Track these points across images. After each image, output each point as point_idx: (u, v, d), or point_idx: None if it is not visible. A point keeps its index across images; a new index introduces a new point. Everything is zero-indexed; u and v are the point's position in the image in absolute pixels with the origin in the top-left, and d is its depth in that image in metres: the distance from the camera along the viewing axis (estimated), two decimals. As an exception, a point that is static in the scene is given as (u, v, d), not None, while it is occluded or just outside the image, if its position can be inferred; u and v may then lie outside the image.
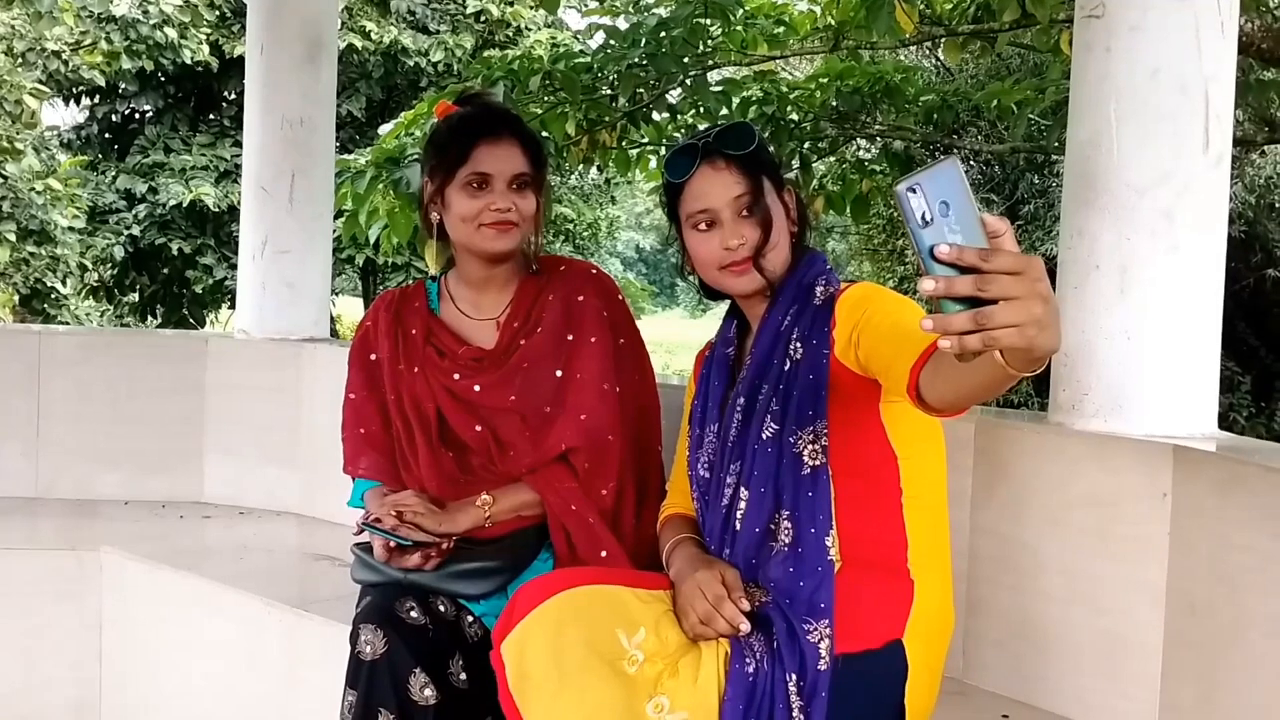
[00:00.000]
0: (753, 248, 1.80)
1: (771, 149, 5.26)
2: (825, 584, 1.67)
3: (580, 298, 2.16)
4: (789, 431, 1.72)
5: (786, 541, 1.71)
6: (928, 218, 1.03)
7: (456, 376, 2.14)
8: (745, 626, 1.67)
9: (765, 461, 1.74)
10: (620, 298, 2.22)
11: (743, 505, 1.77)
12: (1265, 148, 8.41)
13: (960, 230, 1.03)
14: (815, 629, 1.65)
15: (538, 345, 2.14)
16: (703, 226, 1.83)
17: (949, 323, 1.04)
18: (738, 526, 1.78)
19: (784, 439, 1.73)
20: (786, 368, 1.76)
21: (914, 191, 1.03)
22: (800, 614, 1.66)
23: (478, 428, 2.12)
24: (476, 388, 2.12)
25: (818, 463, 1.71)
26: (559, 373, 2.11)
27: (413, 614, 1.91)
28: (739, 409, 1.80)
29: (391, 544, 1.95)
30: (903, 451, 1.72)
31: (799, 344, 1.76)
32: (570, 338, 2.13)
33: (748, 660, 1.64)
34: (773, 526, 1.73)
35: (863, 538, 1.72)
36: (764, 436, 1.75)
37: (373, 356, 2.22)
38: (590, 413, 2.09)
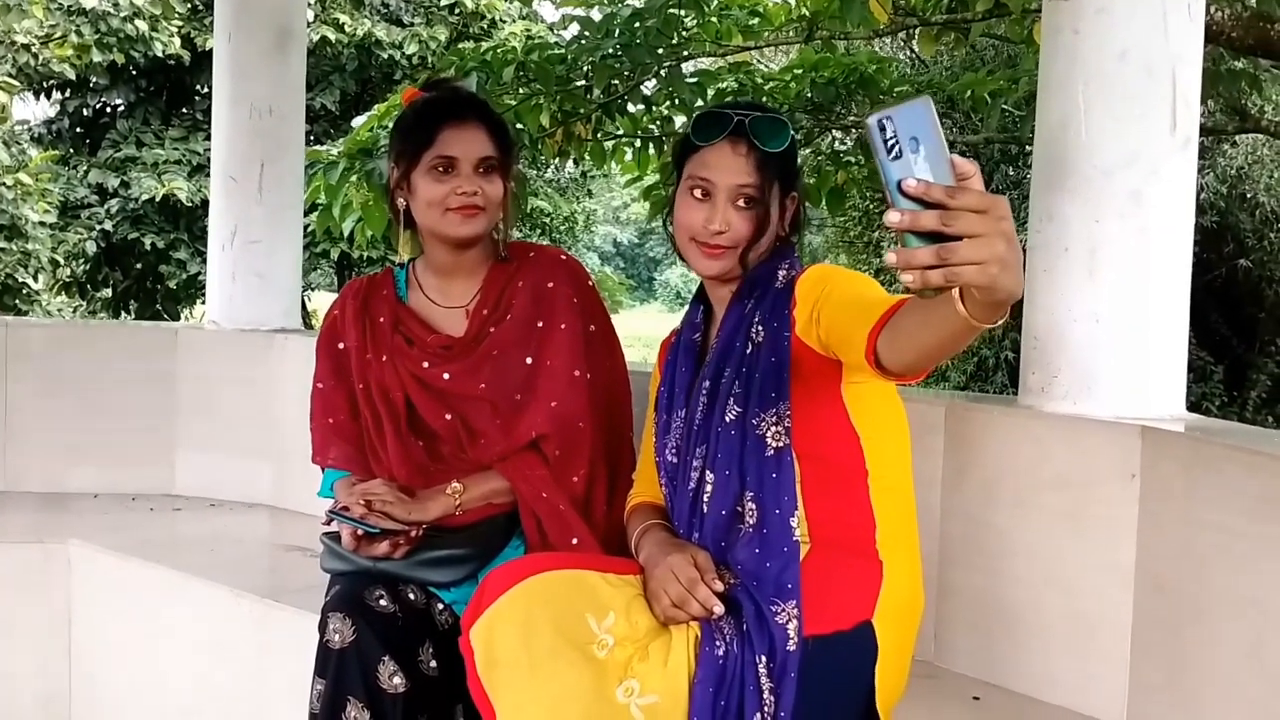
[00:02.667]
0: (737, 240, 1.79)
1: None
2: (791, 565, 1.67)
3: (550, 284, 2.15)
4: (752, 414, 1.72)
5: (752, 523, 1.71)
6: (897, 151, 1.03)
7: (425, 365, 2.13)
8: (719, 609, 1.66)
9: (729, 444, 1.74)
10: (590, 284, 2.21)
11: (709, 488, 1.77)
12: (1237, 138, 8.46)
13: (929, 167, 1.04)
14: (783, 610, 1.65)
15: (507, 333, 2.12)
16: (698, 194, 1.81)
17: (912, 256, 1.04)
18: (705, 510, 1.78)
19: (747, 421, 1.73)
20: (749, 351, 1.76)
21: (885, 124, 1.03)
22: (768, 595, 1.66)
23: (447, 416, 2.11)
24: (446, 375, 2.11)
25: (781, 444, 1.70)
26: (529, 360, 2.10)
27: (381, 602, 1.90)
28: (704, 393, 1.80)
29: (359, 532, 1.94)
30: (865, 433, 1.72)
31: (760, 327, 1.76)
32: (540, 324, 2.12)
33: (718, 643, 1.63)
34: (739, 509, 1.73)
35: (830, 519, 1.72)
36: (727, 419, 1.75)
37: (340, 345, 2.19)
38: (561, 400, 2.08)
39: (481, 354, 2.12)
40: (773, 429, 1.71)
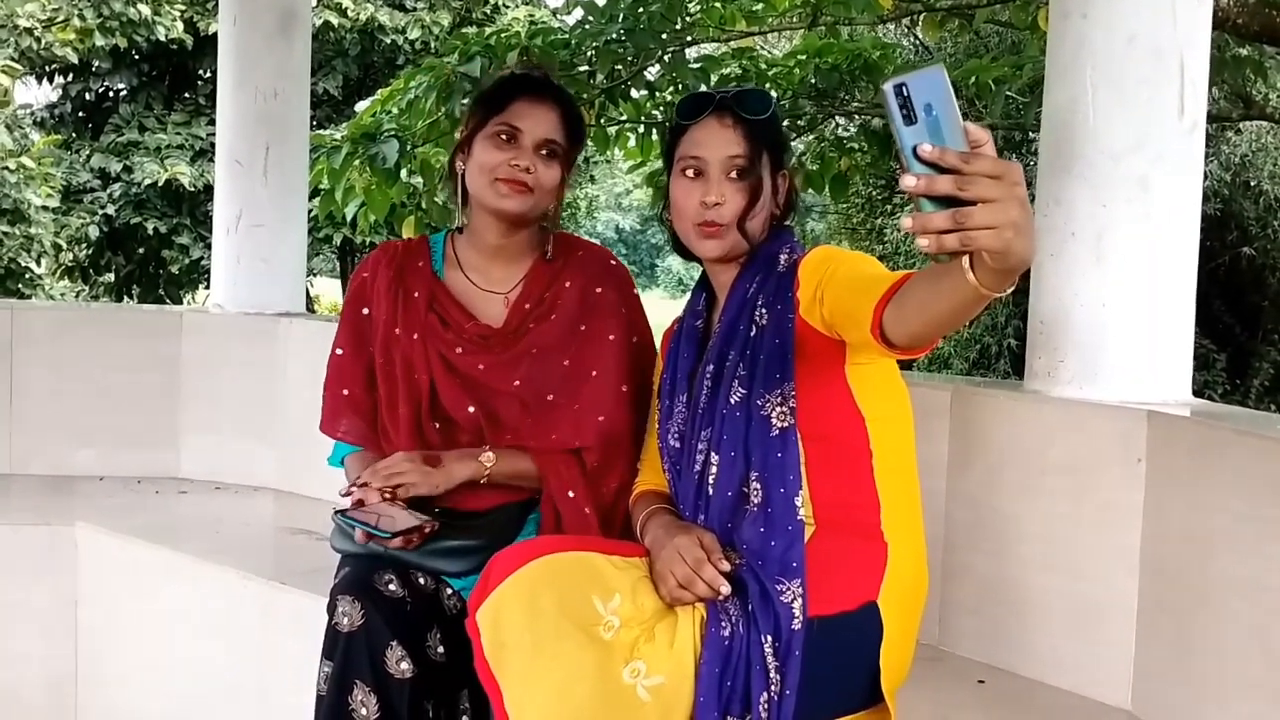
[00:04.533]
0: (734, 213, 1.80)
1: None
2: (796, 544, 1.68)
3: (599, 289, 2.10)
4: (757, 395, 1.73)
5: (757, 503, 1.72)
6: (912, 117, 1.05)
7: (459, 350, 2.07)
8: (725, 588, 1.67)
9: (734, 425, 1.75)
10: (635, 291, 2.17)
11: (714, 470, 1.77)
12: (1241, 125, 8.45)
13: (944, 133, 1.05)
14: (788, 589, 1.65)
15: (550, 332, 2.07)
16: (690, 173, 1.82)
17: (928, 220, 1.06)
18: (710, 492, 1.78)
19: (752, 402, 1.73)
20: (753, 334, 1.77)
21: (901, 90, 1.05)
22: (773, 575, 1.66)
23: (470, 408, 2.06)
24: (481, 366, 2.06)
25: (786, 424, 1.71)
26: (566, 362, 2.06)
27: (391, 586, 1.88)
28: (708, 376, 1.81)
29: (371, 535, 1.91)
30: (870, 414, 1.72)
31: (764, 309, 1.77)
32: (583, 328, 2.07)
33: (723, 624, 1.64)
34: (745, 490, 1.74)
35: (835, 501, 1.73)
36: (732, 401, 1.76)
37: (365, 311, 2.13)
38: (608, 415, 2.04)
39: (520, 350, 2.07)
40: (777, 409, 1.71)
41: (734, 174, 1.80)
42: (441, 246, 2.18)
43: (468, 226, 2.13)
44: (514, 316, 2.08)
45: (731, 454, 1.75)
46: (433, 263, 2.16)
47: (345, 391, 2.12)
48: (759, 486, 1.72)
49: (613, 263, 2.16)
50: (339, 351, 2.15)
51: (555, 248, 2.13)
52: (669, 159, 1.89)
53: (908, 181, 1.05)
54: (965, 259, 1.14)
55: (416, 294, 2.11)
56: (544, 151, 2.01)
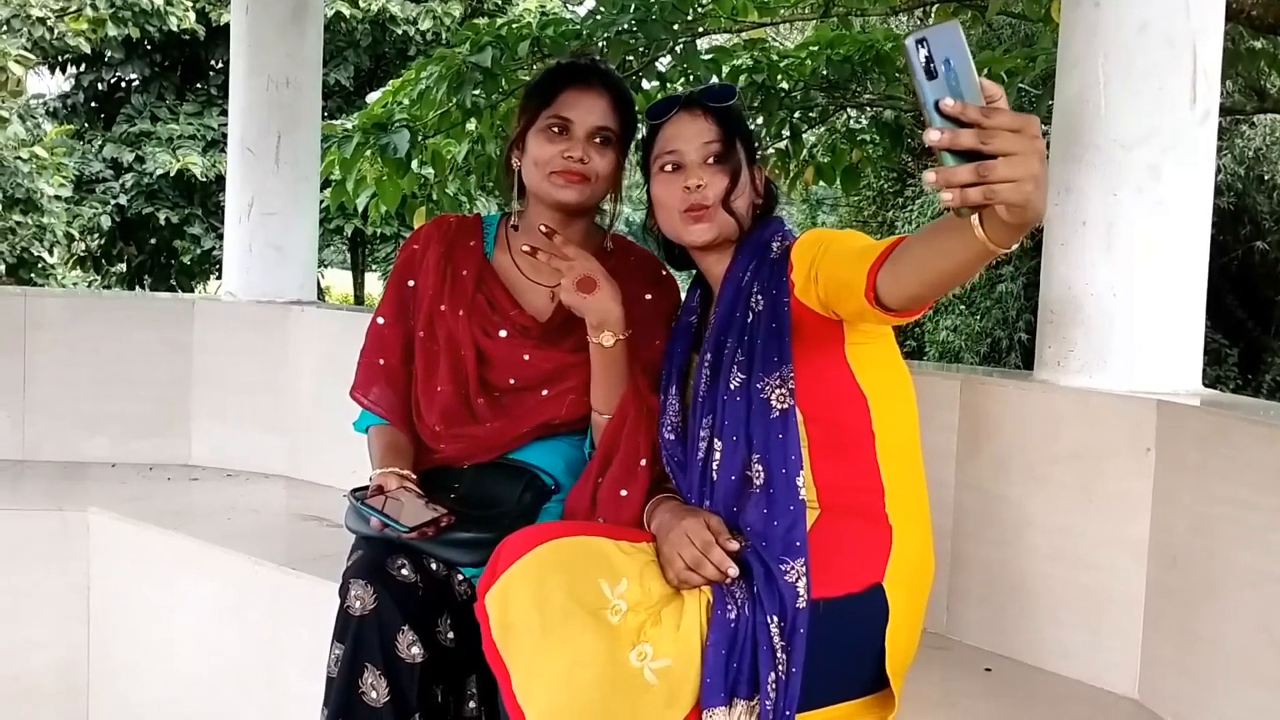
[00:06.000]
0: (717, 194, 1.82)
1: (759, 121, 5.27)
2: (798, 524, 1.69)
3: (649, 296, 2.08)
4: (756, 379, 1.75)
5: (759, 484, 1.73)
6: (933, 71, 1.07)
7: (503, 334, 2.08)
8: (733, 570, 1.68)
9: (735, 410, 1.77)
10: (678, 301, 2.13)
11: (718, 456, 1.79)
12: (1255, 119, 8.41)
13: (962, 88, 1.07)
14: (792, 568, 1.66)
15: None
16: (669, 168, 1.85)
17: (953, 174, 1.09)
18: (715, 478, 1.79)
19: (751, 386, 1.75)
20: (749, 320, 1.79)
21: (922, 45, 1.07)
22: (776, 555, 1.67)
23: (512, 380, 2.07)
24: (526, 357, 2.07)
25: (785, 406, 1.72)
26: None
27: (404, 571, 1.89)
28: (706, 365, 1.83)
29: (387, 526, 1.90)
30: (873, 395, 1.74)
31: (760, 295, 1.79)
32: (629, 333, 2.01)
33: (729, 606, 1.65)
34: (748, 473, 1.75)
35: (838, 484, 1.74)
36: (732, 387, 1.78)
37: (410, 283, 2.13)
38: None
39: (564, 351, 2.06)
40: (777, 392, 1.73)
41: (711, 160, 1.84)
42: (495, 229, 2.18)
43: (523, 219, 2.13)
44: (559, 312, 2.06)
45: (734, 439, 1.76)
46: (485, 244, 2.16)
47: (381, 361, 2.13)
48: (761, 469, 1.73)
49: (664, 272, 2.14)
50: (380, 320, 2.16)
51: (615, 243, 2.12)
52: (646, 168, 1.92)
53: (932, 136, 1.07)
54: (975, 215, 1.16)
55: (465, 272, 2.11)
56: (597, 140, 2.01)
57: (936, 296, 1.45)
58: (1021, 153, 1.07)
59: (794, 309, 1.73)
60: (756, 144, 1.93)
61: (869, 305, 1.51)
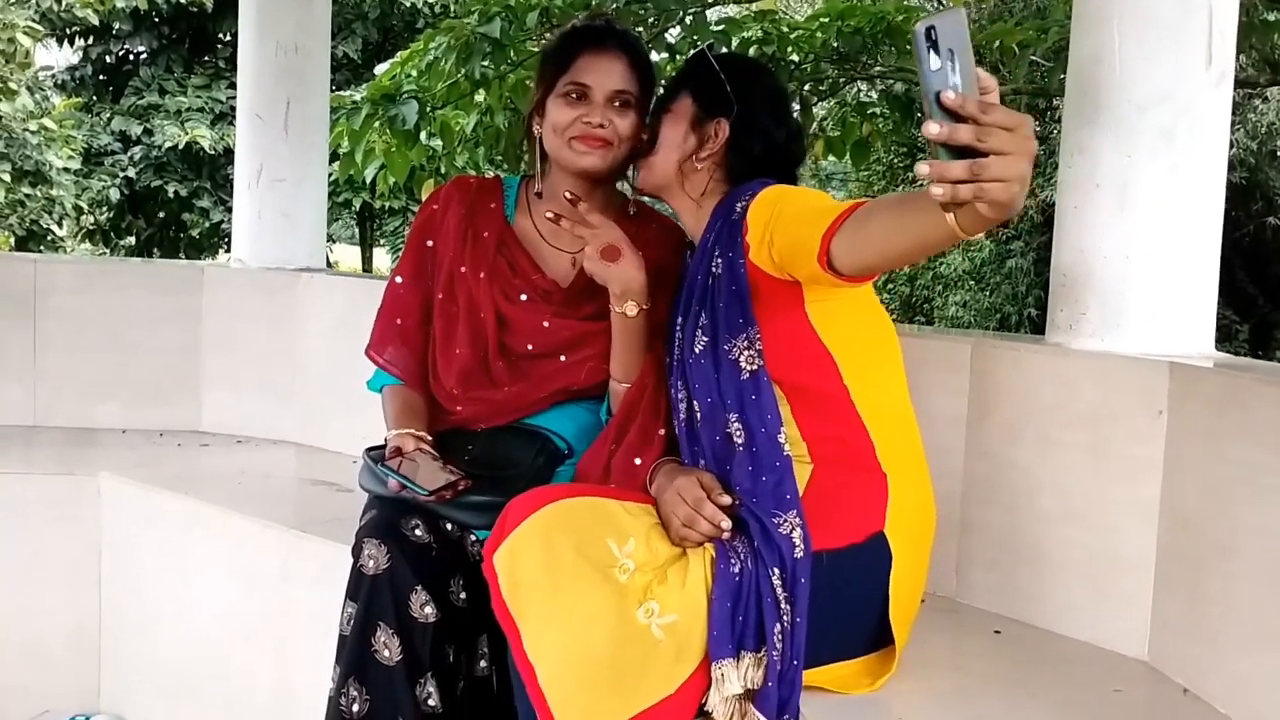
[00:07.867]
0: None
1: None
2: (786, 478, 1.71)
3: (671, 264, 2.06)
4: (722, 341, 1.77)
5: (741, 443, 1.75)
6: (937, 63, 1.07)
7: (524, 298, 2.07)
8: (726, 523, 1.69)
9: (703, 373, 1.79)
10: None
11: (699, 417, 1.82)
12: (1268, 93, 8.35)
13: (961, 80, 1.07)
14: (784, 520, 1.67)
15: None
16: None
17: (948, 169, 1.08)
18: (701, 438, 1.82)
19: (718, 349, 1.77)
20: (710, 283, 1.81)
21: (930, 33, 1.06)
22: (768, 509, 1.69)
23: (530, 346, 2.07)
24: (546, 324, 2.06)
25: (755, 366, 1.75)
26: None
27: (417, 531, 1.89)
28: (679, 328, 1.86)
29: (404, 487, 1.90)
30: (839, 351, 1.74)
31: (719, 259, 1.80)
32: (650, 302, 2.00)
33: (732, 561, 1.66)
34: (729, 432, 1.77)
35: (824, 436, 1.76)
36: (696, 350, 1.81)
37: (429, 243, 2.13)
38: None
39: (583, 317, 2.06)
40: (745, 353, 1.75)
41: (618, 104, 1.95)
42: (515, 192, 2.17)
43: (545, 185, 2.12)
44: (581, 278, 2.05)
45: (709, 400, 1.79)
46: (505, 206, 2.15)
47: (398, 321, 2.13)
48: (740, 427, 1.75)
49: (687, 240, 2.12)
50: (398, 280, 2.15)
51: (638, 209, 2.11)
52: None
53: (931, 129, 1.07)
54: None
55: (486, 234, 2.10)
56: (616, 103, 1.99)
57: (892, 269, 1.46)
58: (1014, 153, 1.07)
59: (750, 271, 1.73)
60: (721, 91, 1.89)
61: (822, 271, 1.52)
